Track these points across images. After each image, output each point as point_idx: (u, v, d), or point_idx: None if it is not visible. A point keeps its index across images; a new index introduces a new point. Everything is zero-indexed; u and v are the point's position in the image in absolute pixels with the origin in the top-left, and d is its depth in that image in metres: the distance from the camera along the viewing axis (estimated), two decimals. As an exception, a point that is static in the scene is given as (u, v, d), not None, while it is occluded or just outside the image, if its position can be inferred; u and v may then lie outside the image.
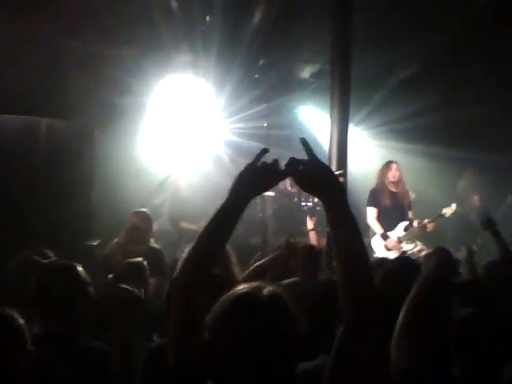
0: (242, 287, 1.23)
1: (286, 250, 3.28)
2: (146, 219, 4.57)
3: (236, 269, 3.10)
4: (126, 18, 5.09)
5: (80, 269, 2.06)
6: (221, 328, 1.19)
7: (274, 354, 1.16)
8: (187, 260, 1.38)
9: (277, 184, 1.38)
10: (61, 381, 1.39)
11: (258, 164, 1.36)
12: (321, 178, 1.29)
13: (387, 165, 5.83)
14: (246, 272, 3.08)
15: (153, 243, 4.58)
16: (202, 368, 1.21)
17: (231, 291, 1.24)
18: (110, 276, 3.13)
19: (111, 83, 5.59)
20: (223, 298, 1.22)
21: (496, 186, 7.14)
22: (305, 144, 1.32)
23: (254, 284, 1.25)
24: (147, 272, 3.09)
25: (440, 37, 5.48)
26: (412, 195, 6.24)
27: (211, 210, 1.41)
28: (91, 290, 2.06)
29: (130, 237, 4.34)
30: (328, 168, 1.33)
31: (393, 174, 5.74)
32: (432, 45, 5.64)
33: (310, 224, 4.56)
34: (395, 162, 5.83)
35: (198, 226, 5.52)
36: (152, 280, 3.81)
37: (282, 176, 1.36)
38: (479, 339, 1.71)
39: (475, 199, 7.35)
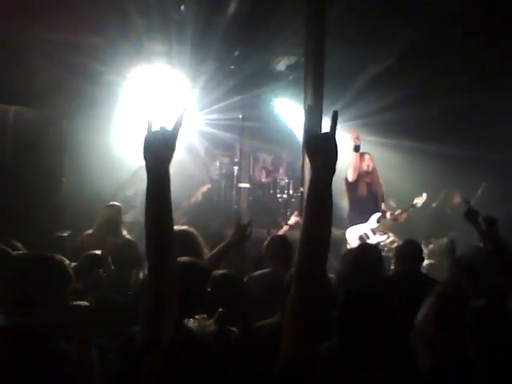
0: None
1: (235, 234, 3.24)
2: (120, 211, 4.67)
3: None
4: (97, 6, 4.97)
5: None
6: None
7: None
8: (147, 255, 1.39)
9: (175, 138, 1.52)
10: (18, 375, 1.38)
11: (149, 134, 1.51)
12: (329, 147, 1.41)
13: (360, 156, 5.88)
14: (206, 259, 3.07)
15: (126, 234, 4.59)
16: (169, 350, 1.25)
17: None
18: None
19: (81, 72, 5.47)
20: None
21: (468, 178, 7.31)
22: (334, 117, 1.46)
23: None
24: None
25: (413, 31, 5.53)
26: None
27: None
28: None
29: (106, 229, 4.42)
30: (337, 147, 1.43)
31: (367, 164, 5.81)
32: (406, 39, 5.69)
33: (292, 220, 4.57)
34: (368, 153, 5.91)
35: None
36: (134, 271, 3.91)
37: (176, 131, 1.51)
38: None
39: (456, 195, 7.52)
